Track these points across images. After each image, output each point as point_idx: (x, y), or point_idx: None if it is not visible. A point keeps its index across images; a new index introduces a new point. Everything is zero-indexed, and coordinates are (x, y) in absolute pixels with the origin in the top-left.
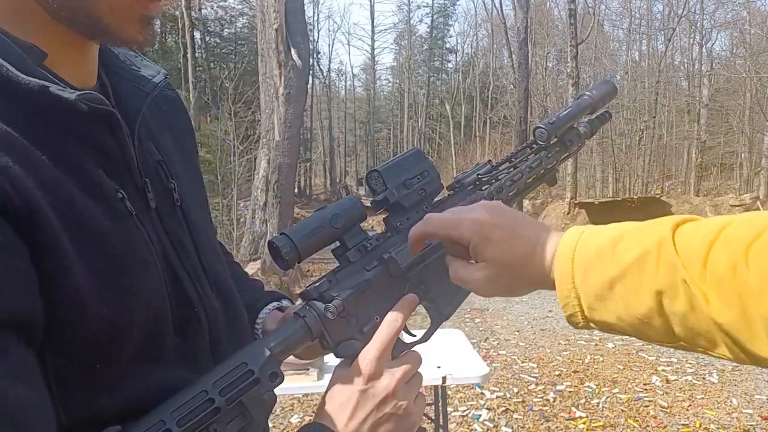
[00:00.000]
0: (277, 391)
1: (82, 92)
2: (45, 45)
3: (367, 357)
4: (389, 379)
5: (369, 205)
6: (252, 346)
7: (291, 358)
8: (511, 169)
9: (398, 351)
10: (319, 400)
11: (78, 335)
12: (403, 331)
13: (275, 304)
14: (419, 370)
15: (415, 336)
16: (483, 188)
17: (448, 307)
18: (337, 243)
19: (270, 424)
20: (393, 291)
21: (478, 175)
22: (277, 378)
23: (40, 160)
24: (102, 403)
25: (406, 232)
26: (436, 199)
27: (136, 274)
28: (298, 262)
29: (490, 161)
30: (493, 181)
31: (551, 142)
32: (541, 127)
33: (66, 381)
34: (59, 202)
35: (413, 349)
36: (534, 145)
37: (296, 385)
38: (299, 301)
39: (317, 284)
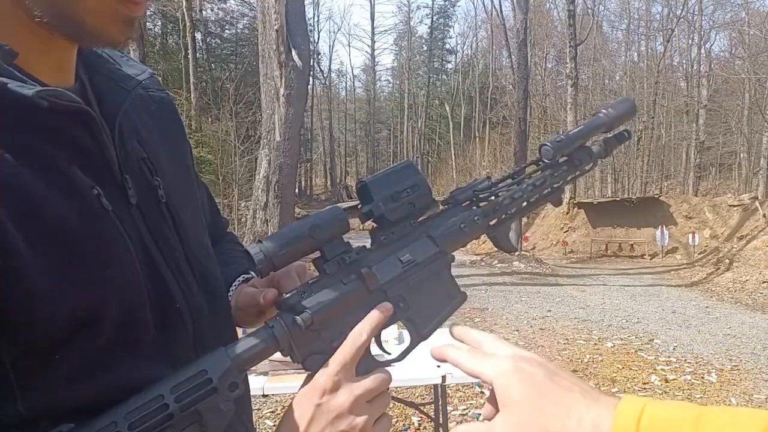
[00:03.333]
0: (276, 390)
1: (44, 89)
2: (19, 45)
3: (326, 371)
4: (346, 395)
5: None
6: (215, 354)
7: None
8: (513, 186)
9: (368, 368)
10: None
11: (33, 331)
12: (379, 349)
13: (242, 277)
14: (416, 378)
15: (390, 354)
16: (479, 205)
17: (426, 327)
18: (318, 253)
19: (270, 423)
20: (369, 306)
21: (474, 191)
22: (237, 388)
23: (1, 160)
24: (66, 393)
25: (389, 246)
26: (427, 214)
27: (107, 269)
28: (273, 271)
29: (489, 177)
30: (491, 198)
31: (559, 161)
32: (547, 145)
33: (24, 371)
34: (15, 199)
35: (387, 368)
36: (540, 163)
37: (296, 384)
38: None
39: (289, 295)
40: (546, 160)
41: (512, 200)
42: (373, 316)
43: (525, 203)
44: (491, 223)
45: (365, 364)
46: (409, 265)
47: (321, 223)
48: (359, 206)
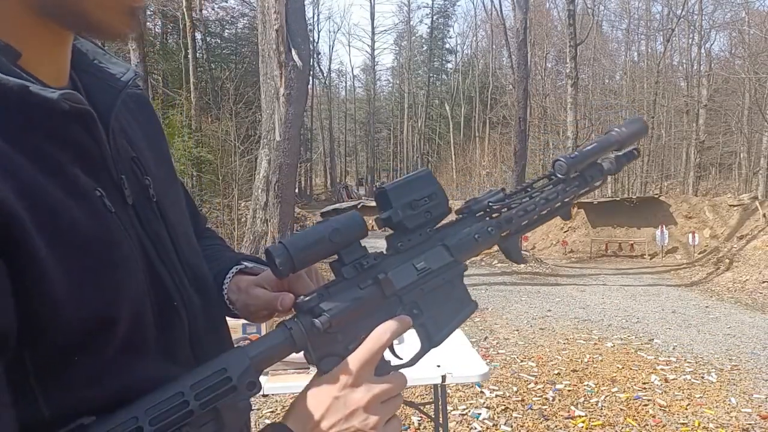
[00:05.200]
0: (276, 390)
1: (63, 91)
2: (19, 44)
3: (348, 366)
4: (365, 392)
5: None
6: (234, 353)
7: (292, 356)
8: (526, 199)
9: (383, 371)
10: None
11: (54, 334)
12: (390, 353)
13: (236, 268)
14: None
15: (402, 359)
16: (493, 216)
17: (438, 334)
18: (335, 256)
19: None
20: (384, 311)
21: (488, 202)
22: (255, 387)
23: (18, 162)
24: (85, 395)
25: (405, 253)
26: (442, 223)
27: (118, 271)
28: (293, 272)
29: (503, 189)
30: (504, 210)
31: (571, 176)
32: (561, 160)
33: (44, 374)
34: (36, 205)
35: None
36: (552, 177)
37: (297, 383)
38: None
39: (308, 298)
40: (560, 175)
41: (525, 212)
42: (396, 323)
43: (536, 216)
44: (503, 234)
45: (380, 366)
46: (423, 273)
47: (342, 227)
48: (378, 212)
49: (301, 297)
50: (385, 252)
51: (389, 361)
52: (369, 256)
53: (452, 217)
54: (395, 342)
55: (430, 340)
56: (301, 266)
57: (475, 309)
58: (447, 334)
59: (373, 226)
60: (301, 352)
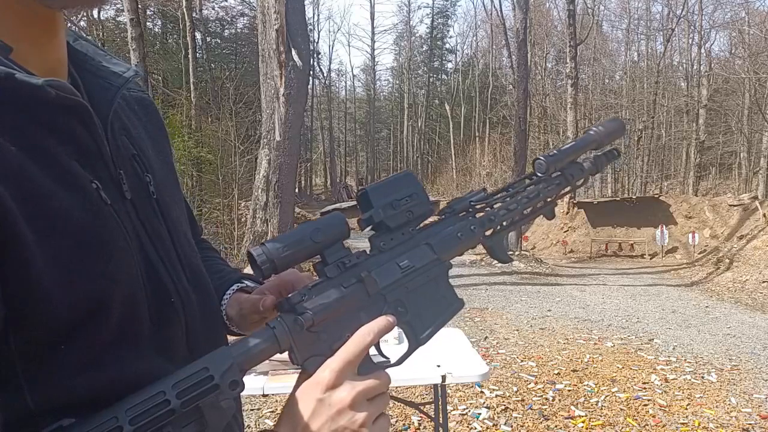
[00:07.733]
0: (276, 390)
1: (48, 79)
2: (9, 39)
3: (330, 366)
4: (348, 391)
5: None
6: (217, 352)
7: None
8: (508, 198)
9: (368, 370)
10: None
11: (41, 322)
12: (377, 353)
13: (236, 286)
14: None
15: (388, 358)
16: (475, 215)
17: (425, 332)
18: (319, 258)
19: (270, 423)
20: (369, 310)
21: (470, 201)
22: (238, 386)
23: (9, 151)
24: (72, 386)
25: (388, 252)
26: (424, 222)
27: (110, 261)
28: (275, 273)
29: (484, 189)
30: (486, 209)
31: (552, 175)
32: (540, 159)
33: (29, 363)
34: (25, 193)
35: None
36: (533, 177)
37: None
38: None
39: (290, 296)
40: (539, 174)
41: (507, 211)
42: (381, 322)
43: (519, 215)
44: (487, 233)
45: (364, 366)
46: (407, 271)
47: (323, 227)
48: (360, 214)
49: (284, 296)
50: (368, 252)
51: (377, 362)
52: (352, 255)
53: (435, 218)
54: (395, 342)
55: (416, 338)
56: (284, 267)
57: (461, 307)
58: (433, 332)
59: (356, 228)
60: (286, 353)
